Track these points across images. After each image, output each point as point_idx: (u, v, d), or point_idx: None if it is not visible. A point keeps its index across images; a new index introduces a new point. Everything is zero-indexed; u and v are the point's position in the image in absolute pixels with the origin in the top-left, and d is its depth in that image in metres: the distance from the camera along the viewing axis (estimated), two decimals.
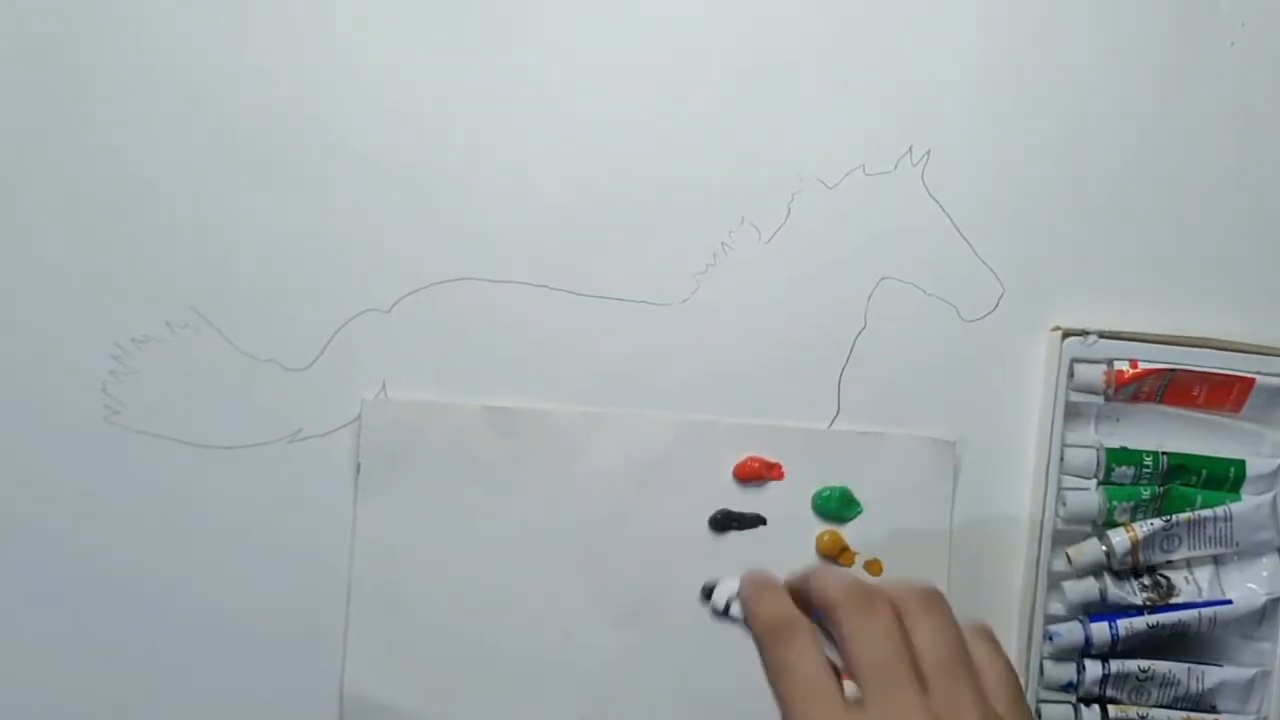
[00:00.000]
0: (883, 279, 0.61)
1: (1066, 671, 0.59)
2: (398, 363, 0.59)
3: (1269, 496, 0.59)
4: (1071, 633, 0.59)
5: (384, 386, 0.59)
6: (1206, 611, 0.59)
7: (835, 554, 0.59)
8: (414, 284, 0.59)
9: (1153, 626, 0.59)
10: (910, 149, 0.61)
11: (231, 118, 0.59)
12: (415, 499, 0.58)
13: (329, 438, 0.59)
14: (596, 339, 0.60)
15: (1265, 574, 0.60)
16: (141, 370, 0.59)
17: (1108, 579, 0.59)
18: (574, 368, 0.60)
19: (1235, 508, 0.59)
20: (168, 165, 0.59)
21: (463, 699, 0.58)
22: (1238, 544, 0.59)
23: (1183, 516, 0.59)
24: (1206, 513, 0.59)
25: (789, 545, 0.59)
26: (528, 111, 0.60)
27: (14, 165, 0.59)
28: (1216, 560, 0.60)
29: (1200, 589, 0.60)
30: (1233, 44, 0.62)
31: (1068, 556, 0.59)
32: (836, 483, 0.60)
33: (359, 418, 0.58)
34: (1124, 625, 0.59)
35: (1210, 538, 0.59)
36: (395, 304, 0.59)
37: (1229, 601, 0.59)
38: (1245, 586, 0.60)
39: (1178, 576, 0.60)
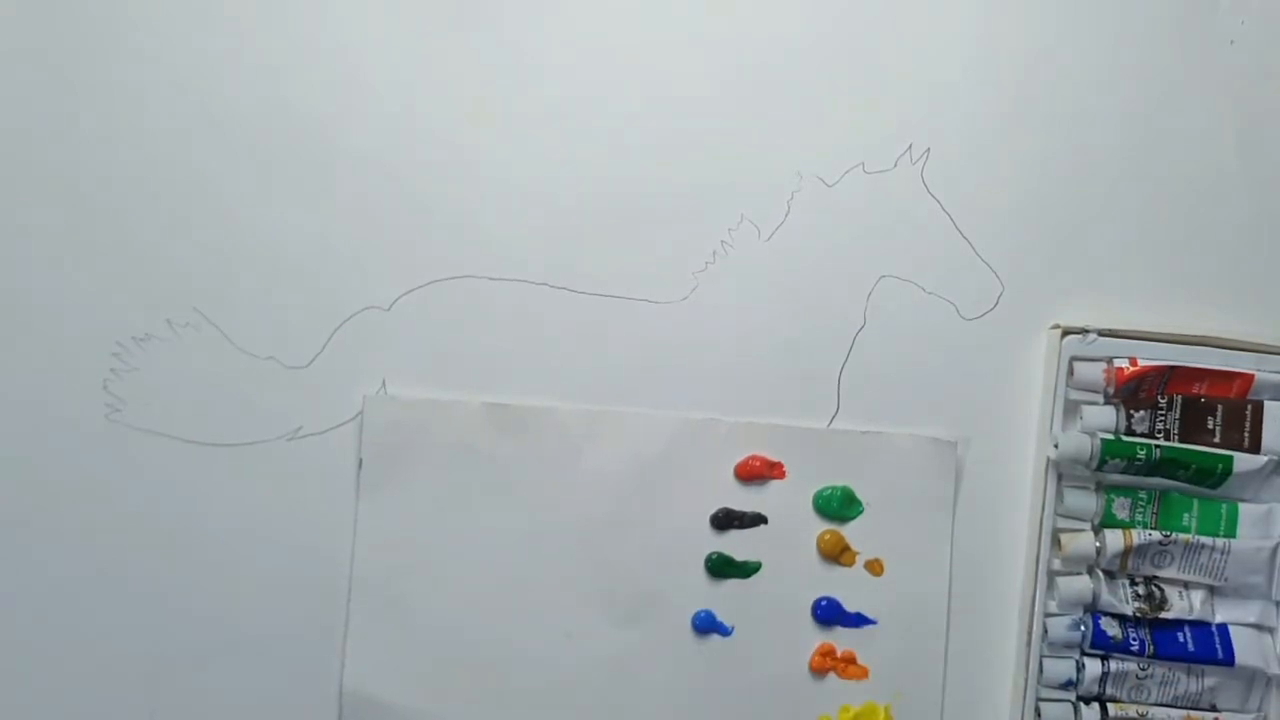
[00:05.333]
0: (882, 277, 0.60)
1: (1066, 669, 0.59)
2: (398, 360, 0.59)
3: (1270, 544, 0.59)
4: (1069, 634, 0.59)
5: (384, 384, 0.59)
6: (1196, 668, 0.60)
7: (836, 553, 0.59)
8: (414, 281, 0.59)
9: (1144, 670, 0.60)
10: (910, 147, 0.61)
11: (232, 118, 0.60)
12: (416, 496, 0.58)
13: (329, 435, 0.59)
14: (596, 336, 0.60)
15: (1254, 615, 0.60)
16: (142, 368, 0.59)
17: (1101, 580, 0.59)
18: (573, 365, 0.60)
19: (1234, 544, 0.59)
20: (169, 165, 0.59)
21: (462, 696, 0.58)
22: (1227, 579, 0.59)
23: (1182, 537, 0.59)
24: (1205, 540, 0.59)
25: (790, 544, 0.59)
26: (528, 111, 0.60)
27: (15, 165, 0.59)
28: (1212, 586, 0.60)
29: (1193, 606, 0.59)
30: (1233, 43, 0.62)
31: (1059, 542, 0.59)
32: (838, 482, 0.59)
33: (360, 414, 0.58)
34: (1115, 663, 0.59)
35: (1203, 565, 0.59)
36: (395, 301, 0.59)
37: (1231, 662, 0.59)
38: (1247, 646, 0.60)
39: (1172, 591, 0.60)
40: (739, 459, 0.59)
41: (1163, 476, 0.59)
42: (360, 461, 0.58)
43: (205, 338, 0.59)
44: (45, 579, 0.58)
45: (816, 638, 0.59)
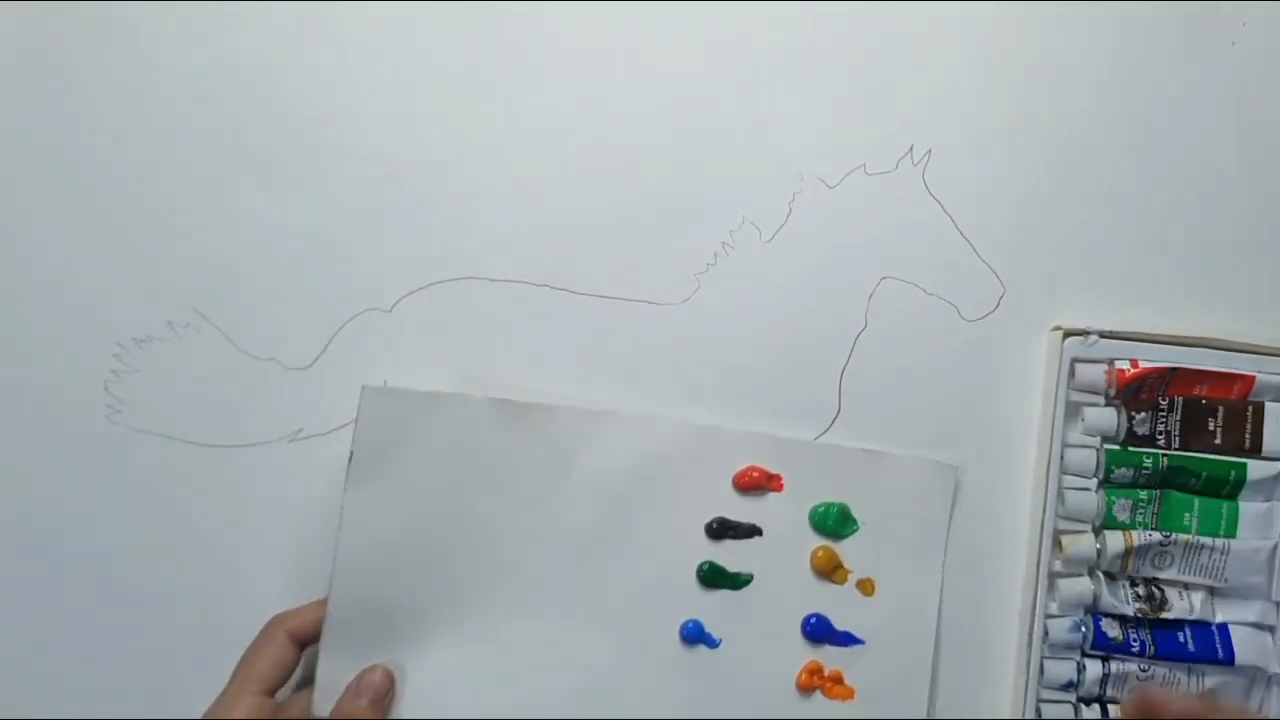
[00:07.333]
0: (883, 279, 0.60)
1: (1067, 671, 0.59)
2: (398, 362, 0.59)
3: (1269, 544, 0.59)
4: (1070, 635, 0.59)
5: (385, 385, 0.59)
6: (1197, 668, 0.60)
7: (829, 571, 0.58)
8: (415, 283, 0.59)
9: (1145, 671, 0.60)
10: (911, 149, 0.61)
11: (232, 118, 0.59)
12: (404, 493, 0.56)
13: (329, 437, 0.59)
14: (597, 338, 0.60)
15: (1255, 615, 0.60)
16: (143, 369, 0.59)
17: (1101, 581, 0.59)
18: (574, 367, 0.60)
19: (1234, 544, 0.59)
20: (168, 165, 0.59)
21: (448, 701, 0.57)
22: (1227, 580, 0.59)
23: (1182, 537, 0.59)
24: (1205, 540, 0.59)
25: (783, 558, 0.58)
26: (529, 111, 0.60)
27: (15, 165, 0.59)
28: (1212, 587, 0.60)
29: (1193, 606, 0.59)
30: (1234, 44, 0.62)
31: (1059, 544, 0.59)
32: (836, 498, 0.59)
33: (356, 406, 0.56)
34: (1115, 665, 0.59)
35: (1203, 566, 0.59)
36: (396, 303, 0.59)
37: (1231, 661, 0.59)
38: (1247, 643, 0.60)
39: (1172, 591, 0.60)
40: (738, 468, 0.59)
41: (1172, 488, 0.59)
42: (351, 454, 0.55)
43: (206, 339, 0.59)
44: (44, 579, 0.58)
45: (805, 654, 0.58)
